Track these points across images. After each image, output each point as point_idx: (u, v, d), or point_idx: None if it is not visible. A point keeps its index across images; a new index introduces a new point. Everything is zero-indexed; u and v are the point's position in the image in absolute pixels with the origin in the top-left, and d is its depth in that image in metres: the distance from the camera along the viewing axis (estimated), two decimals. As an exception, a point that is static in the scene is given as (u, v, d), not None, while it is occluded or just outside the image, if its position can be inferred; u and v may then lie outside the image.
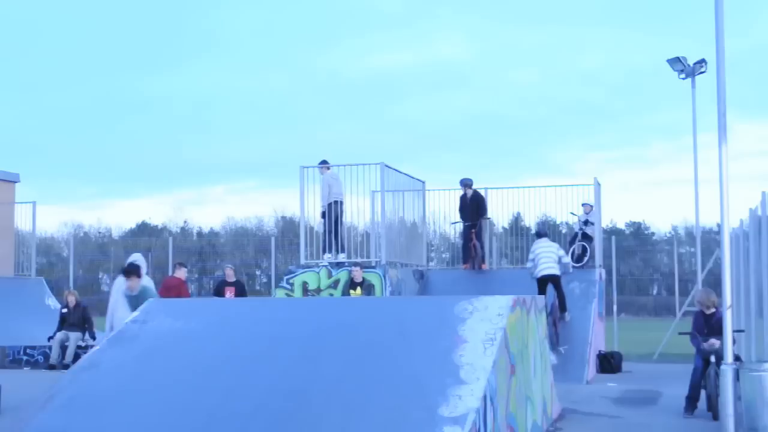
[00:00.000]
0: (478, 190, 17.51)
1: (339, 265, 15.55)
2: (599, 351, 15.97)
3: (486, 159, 77.72)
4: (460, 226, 17.75)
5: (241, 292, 15.93)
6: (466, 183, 17.19)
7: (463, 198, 17.30)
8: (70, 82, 79.24)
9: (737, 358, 9.39)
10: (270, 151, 79.51)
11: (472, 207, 17.12)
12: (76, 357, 15.07)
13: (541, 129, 78.52)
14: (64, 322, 16.43)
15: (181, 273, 14.59)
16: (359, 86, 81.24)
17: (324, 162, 15.89)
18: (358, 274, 15.01)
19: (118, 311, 10.10)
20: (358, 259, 15.74)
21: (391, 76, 79.19)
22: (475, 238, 17.12)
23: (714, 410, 9.66)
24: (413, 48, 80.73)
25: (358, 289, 14.88)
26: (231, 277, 16.45)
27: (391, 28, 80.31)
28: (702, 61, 19.52)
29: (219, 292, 15.98)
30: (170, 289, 13.66)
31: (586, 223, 17.30)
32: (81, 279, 36.58)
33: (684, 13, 70.64)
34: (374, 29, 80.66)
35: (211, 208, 79.16)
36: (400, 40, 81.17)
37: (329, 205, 15.45)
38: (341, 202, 15.56)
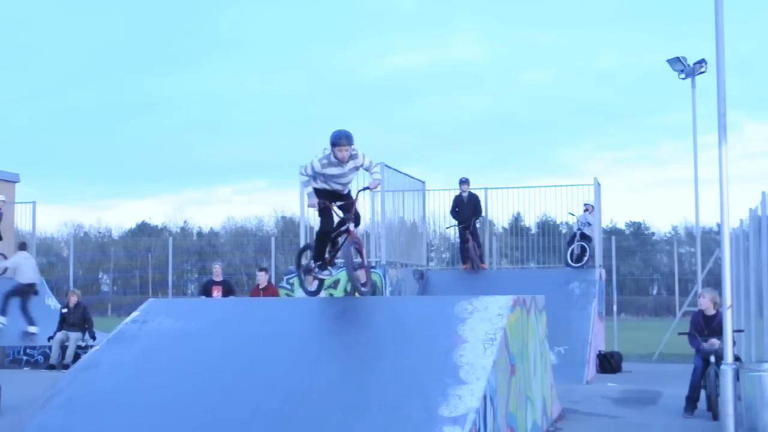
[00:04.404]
0: (477, 190, 17.62)
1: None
2: (599, 351, 15.97)
3: (495, 159, 77.90)
4: (456, 228, 17.79)
5: (228, 290, 15.81)
6: (466, 181, 17.23)
7: (459, 198, 17.33)
8: (78, 83, 79.51)
9: (737, 359, 9.38)
10: (280, 151, 79.45)
11: (470, 206, 17.18)
12: (76, 357, 15.07)
13: (553, 130, 78.63)
14: (64, 322, 16.43)
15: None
16: (373, 87, 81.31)
17: None
18: None
19: None
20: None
21: (405, 77, 79.27)
22: (471, 239, 17.17)
23: (714, 410, 9.66)
24: (429, 49, 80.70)
25: None
26: (218, 275, 16.25)
27: (408, 28, 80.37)
28: (702, 61, 19.53)
29: (206, 291, 15.83)
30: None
31: (588, 224, 17.30)
32: (81, 279, 36.59)
33: (696, 14, 70.89)
34: (391, 30, 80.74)
35: (217, 209, 79.29)
36: (417, 40, 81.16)
37: None
38: None
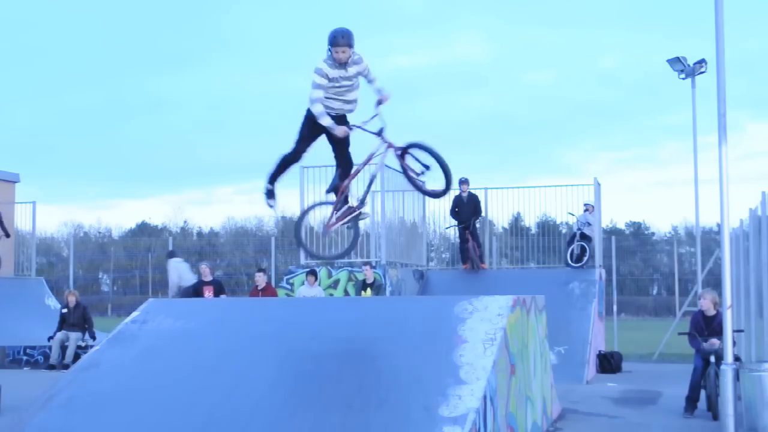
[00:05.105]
0: (477, 190, 17.64)
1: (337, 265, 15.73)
2: (599, 351, 15.96)
3: (496, 159, 77.73)
4: (456, 228, 17.80)
5: (219, 290, 15.72)
6: (466, 181, 17.23)
7: (458, 198, 17.32)
8: (79, 83, 79.26)
9: (737, 359, 9.39)
10: (281, 151, 79.22)
11: (469, 206, 17.18)
12: (76, 357, 15.06)
13: (555, 130, 78.41)
14: (64, 322, 16.42)
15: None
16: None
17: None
18: (369, 274, 14.91)
19: None
20: (358, 259, 15.71)
21: (407, 77, 78.95)
22: (471, 239, 17.17)
23: (714, 410, 9.66)
24: (432, 49, 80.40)
25: (369, 290, 14.77)
26: (207, 275, 16.08)
27: (410, 29, 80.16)
28: (702, 61, 19.52)
29: (197, 292, 15.71)
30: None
31: (587, 224, 17.29)
32: (81, 279, 36.61)
33: (697, 14, 70.82)
34: (394, 30, 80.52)
35: (218, 209, 79.22)
36: (419, 41, 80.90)
37: None
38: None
